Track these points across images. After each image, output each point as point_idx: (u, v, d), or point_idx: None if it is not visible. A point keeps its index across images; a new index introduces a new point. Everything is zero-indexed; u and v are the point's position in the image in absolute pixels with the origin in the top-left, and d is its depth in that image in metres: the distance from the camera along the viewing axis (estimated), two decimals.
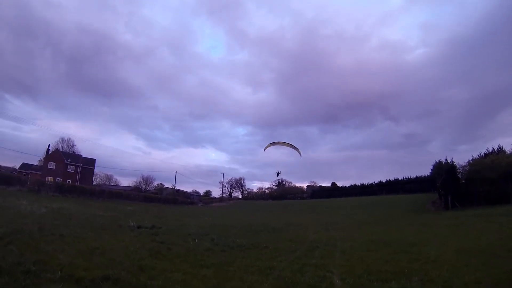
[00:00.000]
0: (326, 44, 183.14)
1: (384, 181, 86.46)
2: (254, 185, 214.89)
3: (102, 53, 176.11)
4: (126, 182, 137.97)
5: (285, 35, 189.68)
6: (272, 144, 31.13)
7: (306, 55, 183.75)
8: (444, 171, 49.21)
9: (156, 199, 75.03)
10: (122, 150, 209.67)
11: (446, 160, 53.61)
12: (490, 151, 54.42)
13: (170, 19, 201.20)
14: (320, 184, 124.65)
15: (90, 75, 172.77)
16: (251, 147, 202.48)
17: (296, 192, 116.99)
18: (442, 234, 18.31)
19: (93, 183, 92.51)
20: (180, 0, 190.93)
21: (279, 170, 24.02)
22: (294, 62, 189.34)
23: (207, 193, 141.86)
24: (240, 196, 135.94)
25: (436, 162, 55.79)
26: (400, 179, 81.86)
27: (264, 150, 31.78)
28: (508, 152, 52.04)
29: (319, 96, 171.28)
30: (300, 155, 30.67)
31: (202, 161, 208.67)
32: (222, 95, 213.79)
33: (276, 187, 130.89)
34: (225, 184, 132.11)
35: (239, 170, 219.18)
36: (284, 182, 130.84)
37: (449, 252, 12.30)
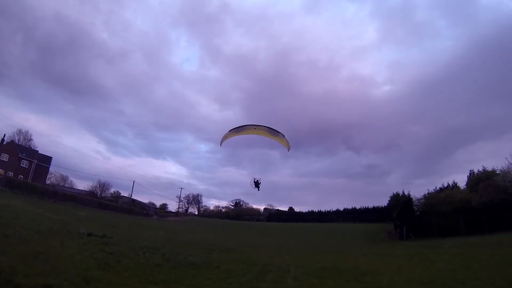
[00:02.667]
0: (298, 70, 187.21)
1: (341, 209, 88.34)
2: (211, 203, 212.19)
3: (76, 47, 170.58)
4: (81, 185, 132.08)
5: (259, 56, 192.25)
6: (235, 132, 20.09)
7: (277, 78, 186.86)
8: (400, 203, 51.26)
9: (110, 207, 72.67)
10: (82, 151, 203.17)
11: (403, 192, 55.64)
12: (445, 186, 57.56)
13: (150, 25, 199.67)
14: (277, 208, 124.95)
15: (60, 68, 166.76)
16: (211, 165, 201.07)
17: (253, 214, 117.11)
18: (396, 264, 18.75)
19: (47, 182, 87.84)
20: (162, 8, 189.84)
21: (258, 179, 20.24)
22: (264, 84, 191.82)
23: (164, 206, 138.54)
24: (196, 213, 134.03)
25: (393, 194, 57.58)
26: (357, 208, 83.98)
27: (221, 144, 21.21)
28: (461, 188, 55.42)
29: (285, 120, 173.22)
30: (288, 147, 20.58)
31: (162, 173, 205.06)
32: (189, 108, 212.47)
33: (233, 207, 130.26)
34: (182, 199, 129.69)
35: (197, 186, 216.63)
36: (241, 203, 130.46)
37: (402, 282, 12.61)
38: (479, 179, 51.00)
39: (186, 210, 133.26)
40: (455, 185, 57.73)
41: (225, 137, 20.94)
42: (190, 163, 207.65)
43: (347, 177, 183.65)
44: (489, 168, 54.00)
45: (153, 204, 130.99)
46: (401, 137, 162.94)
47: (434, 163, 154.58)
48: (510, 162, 52.69)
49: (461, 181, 61.74)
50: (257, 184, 21.30)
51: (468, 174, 57.51)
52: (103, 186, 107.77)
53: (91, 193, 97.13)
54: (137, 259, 13.36)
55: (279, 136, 20.04)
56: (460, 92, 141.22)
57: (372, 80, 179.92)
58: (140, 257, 13.92)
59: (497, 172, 50.77)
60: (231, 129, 20.26)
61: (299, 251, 29.13)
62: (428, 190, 56.00)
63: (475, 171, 56.53)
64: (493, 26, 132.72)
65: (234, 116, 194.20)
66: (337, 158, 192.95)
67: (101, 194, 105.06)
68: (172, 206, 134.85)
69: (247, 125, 20.03)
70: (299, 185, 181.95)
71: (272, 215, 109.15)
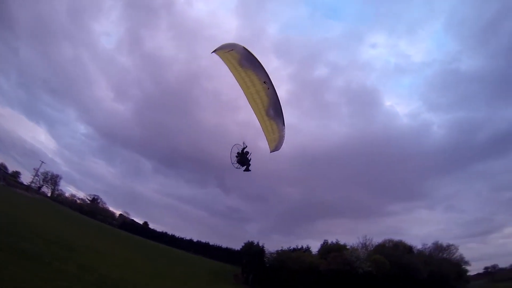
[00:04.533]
0: (201, 95, 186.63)
1: (195, 240, 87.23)
2: (68, 189, 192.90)
3: None
4: None
5: (173, 66, 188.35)
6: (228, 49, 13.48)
7: (179, 94, 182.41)
8: (253, 252, 52.46)
9: None
10: None
11: (257, 242, 57.05)
12: (298, 247, 60.71)
13: None
14: (132, 218, 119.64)
15: None
16: (83, 150, 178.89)
17: (107, 216, 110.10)
18: None
19: None
20: None
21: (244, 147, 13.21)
22: (166, 94, 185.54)
23: (16, 174, 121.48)
24: (49, 194, 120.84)
25: (248, 241, 58.45)
26: (211, 244, 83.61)
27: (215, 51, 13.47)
28: (313, 253, 59.67)
29: (167, 136, 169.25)
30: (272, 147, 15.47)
31: (29, 137, 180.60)
32: (86, 83, 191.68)
33: (89, 201, 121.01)
34: (40, 174, 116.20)
35: (60, 167, 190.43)
36: (98, 200, 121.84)
37: None
38: (330, 249, 56.20)
39: (39, 187, 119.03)
40: (307, 249, 61.44)
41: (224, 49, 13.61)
42: (62, 140, 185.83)
43: (209, 211, 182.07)
44: (342, 242, 59.73)
45: (5, 167, 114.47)
46: (273, 193, 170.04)
47: (295, 225, 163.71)
48: (360, 242, 60.26)
49: (314, 247, 66.25)
50: (242, 158, 15.44)
51: (322, 243, 62.21)
52: None
53: None
54: None
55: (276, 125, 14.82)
56: (336, 171, 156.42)
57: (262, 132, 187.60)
58: None
59: (347, 247, 57.28)
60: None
61: (145, 271, 27.59)
62: (282, 247, 58.31)
63: (329, 241, 61.45)
64: (384, 129, 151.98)
65: (122, 112, 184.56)
66: (206, 191, 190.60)
67: None
68: (25, 178, 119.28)
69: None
70: (161, 203, 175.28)
71: (126, 224, 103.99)
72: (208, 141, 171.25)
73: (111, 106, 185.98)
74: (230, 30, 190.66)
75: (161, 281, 23.61)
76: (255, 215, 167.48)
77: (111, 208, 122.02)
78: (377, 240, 67.76)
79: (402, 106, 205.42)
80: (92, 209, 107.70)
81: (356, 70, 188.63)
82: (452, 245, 73.71)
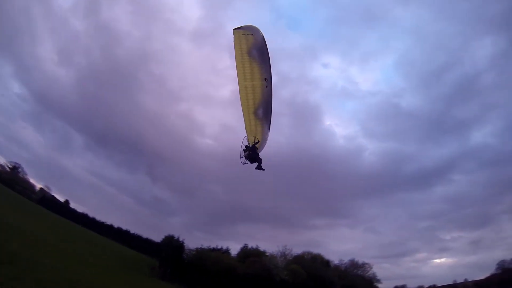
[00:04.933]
0: (147, 79, 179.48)
1: (116, 226, 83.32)
2: None
3: None
4: None
5: (125, 42, 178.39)
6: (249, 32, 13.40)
7: (125, 72, 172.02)
8: (173, 245, 51.50)
9: None
10: None
11: (178, 237, 55.39)
12: (218, 248, 61.26)
13: None
14: (54, 194, 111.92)
15: None
16: (12, 111, 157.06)
17: (27, 188, 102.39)
18: None
19: None
20: None
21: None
22: (111, 68, 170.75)
23: None
24: None
25: (169, 234, 56.85)
26: (131, 232, 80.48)
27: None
28: (232, 255, 60.46)
29: (107, 114, 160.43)
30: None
31: None
32: (31, 38, 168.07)
33: (9, 169, 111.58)
34: None
35: None
36: (19, 169, 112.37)
37: None
38: (249, 254, 57.51)
39: None
40: (227, 251, 62.01)
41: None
42: None
43: (134, 198, 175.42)
44: (262, 248, 61.27)
45: None
46: (201, 189, 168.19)
47: (218, 225, 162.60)
48: (279, 250, 62.37)
49: (234, 249, 67.05)
50: (253, 154, 14.28)
51: (242, 246, 63.33)
52: None
53: None
54: None
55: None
56: (267, 179, 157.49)
57: (201, 128, 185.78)
58: None
59: (267, 254, 58.86)
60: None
61: (59, 253, 25.88)
62: (202, 245, 57.84)
63: (249, 246, 62.70)
64: (320, 146, 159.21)
65: (62, 79, 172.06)
66: (134, 177, 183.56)
67: None
68: None
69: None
70: (86, 182, 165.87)
71: (46, 200, 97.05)
72: (145, 127, 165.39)
73: (53, 70, 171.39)
74: (190, 18, 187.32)
75: (76, 266, 22.30)
76: (180, 209, 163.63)
77: (32, 180, 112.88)
78: (296, 250, 69.82)
79: (341, 128, 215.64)
80: (11, 178, 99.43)
81: (304, 85, 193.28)
82: (367, 263, 78.78)
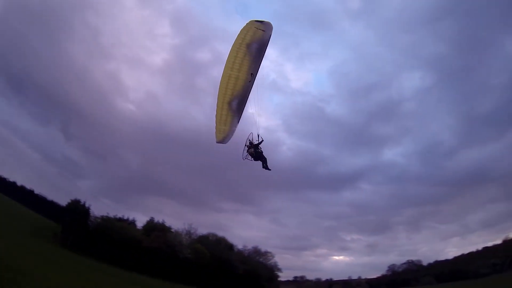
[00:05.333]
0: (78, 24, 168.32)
1: (19, 183, 75.60)
2: None
3: None
4: None
5: None
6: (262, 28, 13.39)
7: (60, 13, 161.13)
8: (78, 211, 50.22)
9: None
10: None
11: (84, 203, 52.90)
12: (125, 218, 60.78)
13: None
14: None
15: None
16: None
17: None
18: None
19: None
20: None
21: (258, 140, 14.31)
22: (45, 3, 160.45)
23: None
24: None
25: (75, 198, 53.66)
26: (35, 192, 74.30)
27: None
28: (138, 227, 59.74)
29: (28, 57, 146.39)
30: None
31: None
32: None
33: None
34: None
35: None
36: None
37: None
38: (155, 228, 57.10)
39: None
40: (133, 222, 61.57)
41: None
42: None
43: (43, 155, 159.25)
44: (168, 224, 61.09)
45: None
46: (115, 154, 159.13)
47: (127, 194, 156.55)
48: (185, 228, 62.82)
49: (140, 221, 65.33)
50: (257, 152, 14.11)
51: (149, 219, 62.00)
52: None
53: None
54: None
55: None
56: (183, 155, 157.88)
57: (125, 91, 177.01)
58: None
59: (172, 230, 59.21)
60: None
61: None
62: (108, 213, 56.14)
63: (155, 219, 61.63)
64: (239, 131, 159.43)
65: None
66: (46, 131, 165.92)
67: None
68: None
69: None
70: None
71: None
72: (67, 78, 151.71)
73: None
74: None
75: None
76: (90, 172, 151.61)
77: None
78: (202, 231, 70.74)
79: (263, 118, 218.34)
80: None
81: None
82: (269, 252, 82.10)
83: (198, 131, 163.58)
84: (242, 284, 61.68)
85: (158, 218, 62.48)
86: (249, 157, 14.35)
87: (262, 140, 14.19)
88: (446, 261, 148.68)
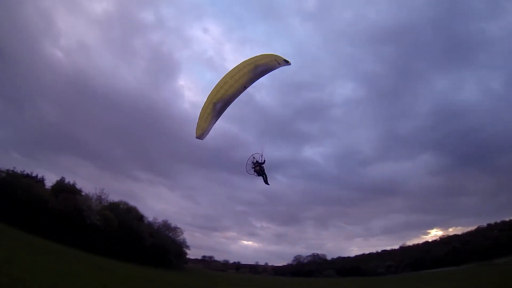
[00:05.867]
0: None
1: None
2: None
3: None
4: None
5: None
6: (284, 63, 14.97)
7: None
8: None
9: None
10: None
11: None
12: (33, 175, 56.85)
13: None
14: None
15: None
16: None
17: None
18: None
19: None
20: None
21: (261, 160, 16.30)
22: None
23: None
24: None
25: None
26: None
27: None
28: (46, 187, 55.91)
29: None
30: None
31: None
32: None
33: None
34: None
35: None
36: None
37: None
38: (65, 189, 54.46)
39: None
40: (41, 180, 58.00)
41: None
42: None
43: None
44: (79, 186, 58.85)
45: None
46: (32, 104, 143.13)
47: (39, 149, 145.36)
48: (96, 193, 61.34)
49: (50, 180, 60.53)
50: (258, 167, 16.03)
51: (59, 179, 58.95)
52: None
53: None
54: None
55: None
56: (108, 116, 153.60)
57: (56, 35, 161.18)
58: None
59: (82, 193, 57.01)
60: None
61: None
62: (15, 167, 52.36)
63: (66, 180, 58.88)
64: (166, 103, 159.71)
65: None
66: None
67: None
68: None
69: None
70: None
71: None
72: None
73: None
74: None
75: None
76: (1, 120, 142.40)
77: None
78: (113, 197, 69.43)
79: (191, 93, 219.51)
80: None
81: (176, 39, 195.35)
82: (179, 228, 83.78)
83: (126, 94, 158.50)
84: (149, 257, 61.82)
85: (70, 179, 59.54)
86: (254, 173, 16.39)
87: (265, 161, 16.28)
88: (348, 258, 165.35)
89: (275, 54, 14.91)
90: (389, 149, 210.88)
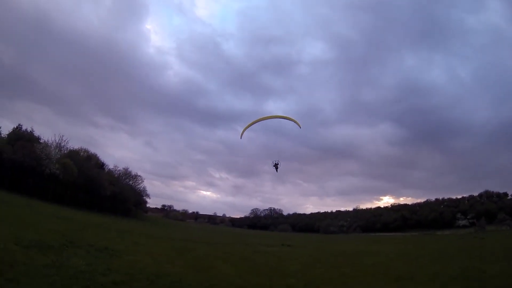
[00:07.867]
0: None
1: None
2: None
3: None
4: None
5: None
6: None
7: None
8: None
9: None
10: None
11: None
12: None
13: None
14: None
15: None
16: None
17: None
18: None
19: None
20: None
21: (277, 162, 26.23)
22: None
23: None
24: None
25: None
26: None
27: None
28: (1, 135, 55.02)
29: None
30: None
31: None
32: None
33: None
34: None
35: None
36: None
37: None
38: (21, 137, 53.10)
39: None
40: None
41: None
42: None
43: None
44: (37, 134, 57.93)
45: None
46: None
47: (10, 98, 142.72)
48: (55, 140, 59.82)
49: (5, 128, 59.38)
50: (277, 166, 25.36)
51: (15, 127, 57.43)
52: None
53: None
54: None
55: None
56: (67, 57, 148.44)
57: None
58: None
59: (41, 141, 55.94)
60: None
61: None
62: None
63: (23, 127, 57.42)
64: (130, 45, 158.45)
65: None
66: None
67: None
68: None
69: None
70: None
71: None
72: None
73: None
74: None
75: None
76: None
77: None
78: (73, 144, 70.29)
79: (157, 37, 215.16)
80: None
81: None
82: (139, 176, 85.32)
83: (88, 35, 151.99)
84: (109, 205, 62.97)
85: (27, 126, 58.01)
86: (274, 167, 25.63)
87: (278, 162, 25.71)
88: (304, 215, 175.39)
89: (297, 122, 25.54)
90: (351, 114, 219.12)
